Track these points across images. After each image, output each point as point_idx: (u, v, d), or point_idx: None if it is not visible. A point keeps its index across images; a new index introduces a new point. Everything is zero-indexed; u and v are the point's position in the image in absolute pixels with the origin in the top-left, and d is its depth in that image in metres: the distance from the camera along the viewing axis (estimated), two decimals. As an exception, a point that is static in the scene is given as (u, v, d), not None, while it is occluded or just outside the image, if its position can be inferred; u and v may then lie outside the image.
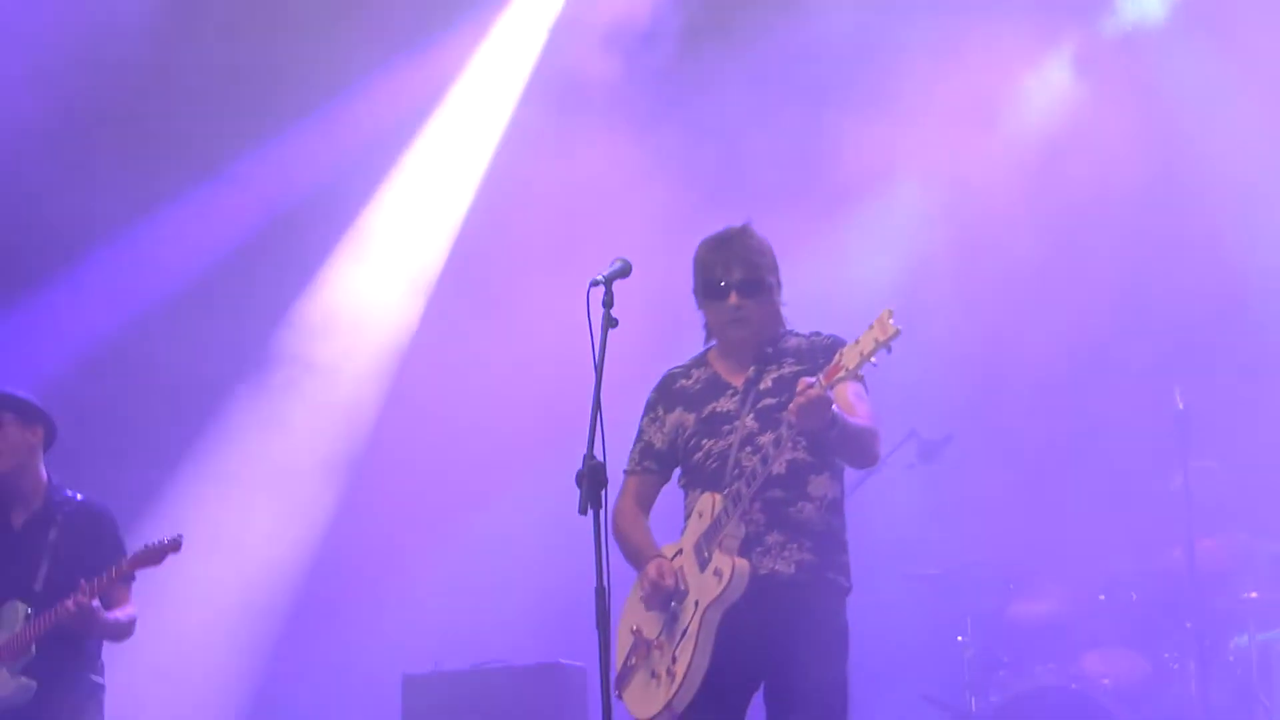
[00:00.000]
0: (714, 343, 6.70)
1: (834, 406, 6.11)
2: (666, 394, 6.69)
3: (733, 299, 6.50)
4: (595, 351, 6.02)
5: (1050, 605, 10.01)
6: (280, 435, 11.38)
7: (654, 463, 6.69)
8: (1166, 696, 9.60)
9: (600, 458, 5.87)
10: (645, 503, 6.72)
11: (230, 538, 11.03)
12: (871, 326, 5.96)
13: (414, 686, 9.74)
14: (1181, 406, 9.20)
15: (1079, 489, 10.57)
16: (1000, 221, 10.97)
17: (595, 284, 6.10)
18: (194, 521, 10.45)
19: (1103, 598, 9.87)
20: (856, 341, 5.99)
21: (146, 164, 11.00)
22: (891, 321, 5.91)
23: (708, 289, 6.56)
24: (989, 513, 10.61)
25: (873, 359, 5.95)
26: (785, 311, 6.67)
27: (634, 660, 6.44)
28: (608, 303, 6.07)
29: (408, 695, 9.72)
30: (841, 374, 6.02)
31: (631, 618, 6.50)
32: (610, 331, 6.01)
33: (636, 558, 6.54)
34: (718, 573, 6.23)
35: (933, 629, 10.44)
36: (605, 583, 5.73)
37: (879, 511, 10.18)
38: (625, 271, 6.18)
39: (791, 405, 6.08)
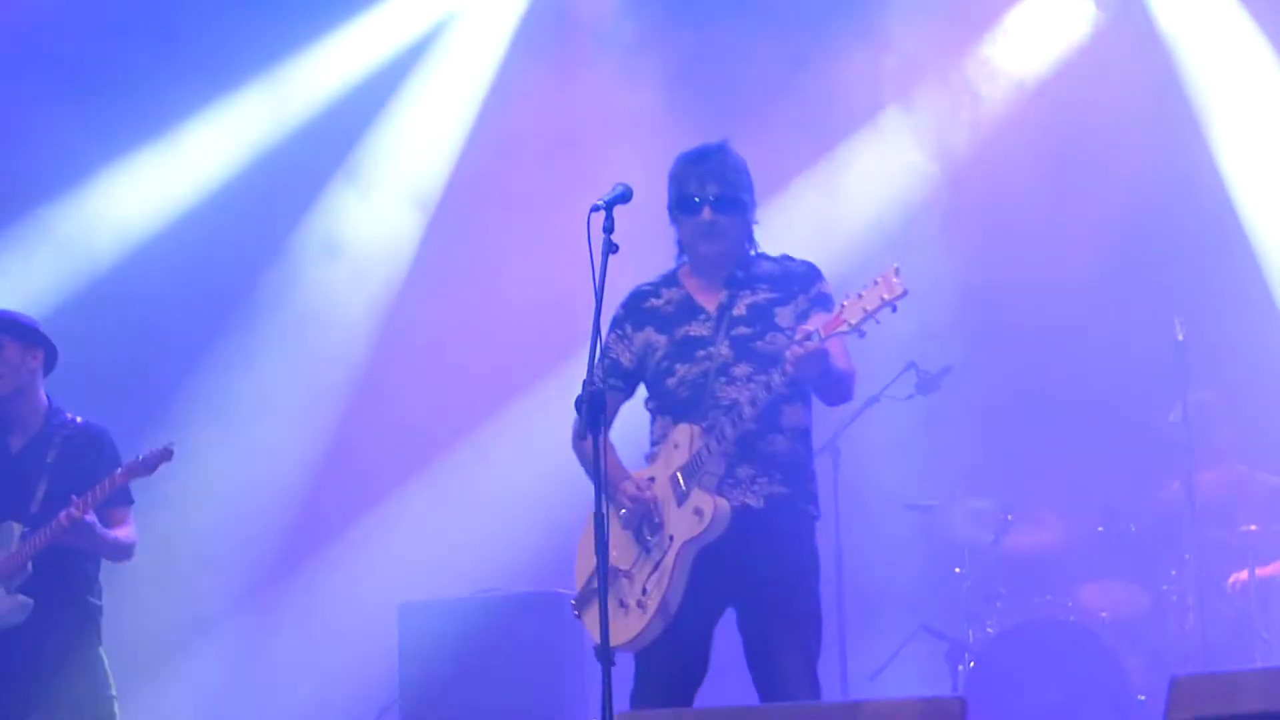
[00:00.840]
0: (684, 260, 6.62)
1: (828, 357, 6.10)
2: (635, 311, 6.60)
3: (706, 214, 6.44)
4: (595, 277, 5.98)
5: (1048, 537, 10.01)
6: (275, 365, 11.35)
7: (620, 380, 6.59)
8: (1165, 629, 9.61)
9: (600, 384, 5.85)
10: (608, 419, 6.56)
11: (225, 468, 11.03)
12: (877, 282, 5.93)
13: (410, 615, 9.73)
14: (1181, 338, 9.15)
15: (1078, 421, 10.57)
16: (999, 151, 10.96)
17: (596, 209, 6.05)
18: (189, 452, 10.45)
19: (1101, 530, 9.86)
20: (859, 296, 5.95)
21: (144, 92, 10.96)
22: (898, 280, 5.88)
23: (682, 203, 6.50)
24: (987, 445, 10.62)
25: (877, 318, 5.93)
26: (769, 235, 6.63)
27: (597, 584, 6.37)
28: (608, 228, 6.04)
29: (404, 624, 9.72)
30: (842, 328, 5.99)
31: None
32: (610, 257, 5.97)
33: (606, 477, 6.46)
34: (698, 511, 6.20)
35: (930, 560, 10.45)
36: (604, 508, 5.71)
37: (877, 443, 10.20)
38: (626, 197, 6.13)
39: (789, 355, 6.04)
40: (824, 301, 6.44)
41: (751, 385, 6.26)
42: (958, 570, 10.05)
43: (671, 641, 6.28)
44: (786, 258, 6.60)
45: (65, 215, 11.00)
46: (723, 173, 6.50)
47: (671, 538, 6.24)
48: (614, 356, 6.62)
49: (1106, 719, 9.22)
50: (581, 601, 6.45)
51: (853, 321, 5.95)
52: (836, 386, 6.38)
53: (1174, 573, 9.63)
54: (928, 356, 9.80)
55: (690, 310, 6.51)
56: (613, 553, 6.30)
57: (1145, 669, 9.37)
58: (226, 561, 11.10)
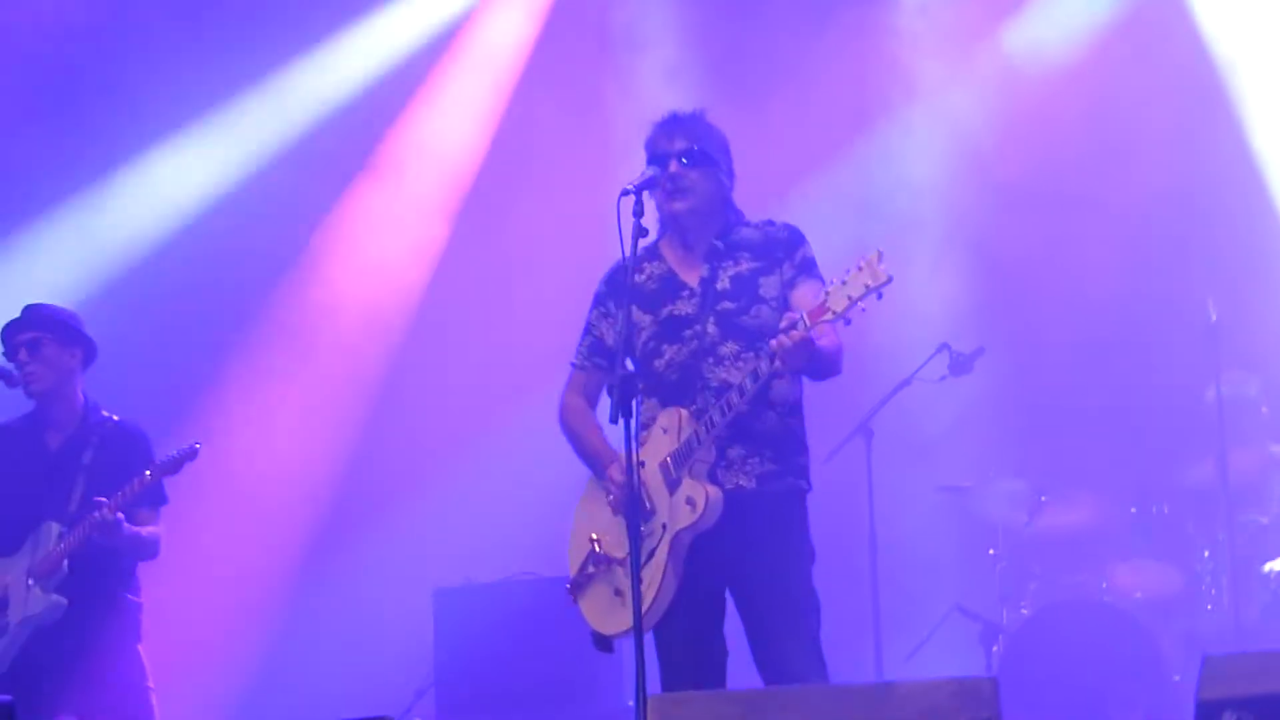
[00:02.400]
0: (665, 232, 6.50)
1: (815, 344, 6.01)
2: (618, 288, 6.45)
3: (672, 166, 6.34)
4: (626, 261, 6.00)
5: (1082, 518, 9.99)
6: (309, 353, 11.38)
7: (604, 359, 6.51)
8: (1198, 609, 9.59)
9: (632, 367, 5.86)
10: (592, 398, 6.58)
11: (261, 455, 11.07)
12: (860, 269, 5.85)
13: (445, 599, 9.77)
14: (1214, 318, 9.14)
15: (1111, 402, 10.55)
16: (1032, 132, 10.93)
17: (626, 193, 6.08)
18: (225, 439, 10.52)
19: (1134, 510, 9.84)
20: (844, 283, 5.88)
21: (165, 86, 11.00)
22: (882, 267, 5.80)
23: (650, 163, 6.39)
24: (1020, 426, 10.61)
25: (862, 305, 5.85)
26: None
27: (593, 570, 6.35)
28: (638, 212, 6.06)
29: (439, 608, 9.75)
30: (828, 316, 5.90)
31: (591, 524, 6.41)
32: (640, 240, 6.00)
33: (594, 459, 6.46)
34: (690, 501, 6.14)
35: (964, 542, 10.45)
36: (637, 490, 5.72)
37: (910, 425, 10.20)
38: (657, 181, 6.17)
39: (776, 346, 5.94)
40: (809, 267, 6.37)
41: (740, 365, 6.22)
42: (991, 551, 10.05)
43: (683, 629, 6.25)
44: (768, 223, 6.50)
45: (90, 210, 11.03)
46: (691, 128, 6.42)
47: (665, 526, 6.18)
48: (598, 334, 6.57)
49: (1140, 699, 9.22)
50: (577, 587, 6.41)
51: (838, 309, 5.87)
52: (824, 367, 6.26)
53: (1207, 553, 9.61)
54: (960, 338, 9.80)
55: (674, 287, 6.42)
56: (605, 539, 6.33)
57: (1179, 649, 9.36)
58: (263, 550, 11.13)
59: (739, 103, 10.25)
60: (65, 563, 7.46)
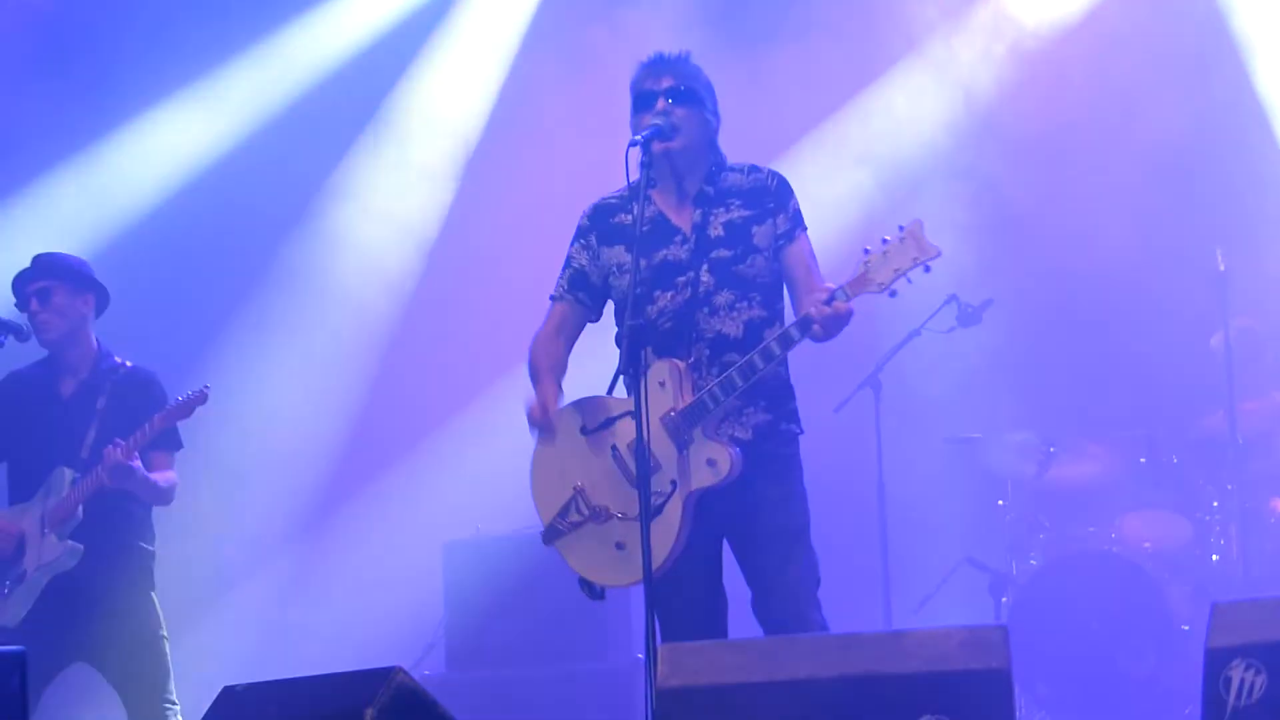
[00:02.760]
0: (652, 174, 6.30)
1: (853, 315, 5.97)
2: (603, 226, 6.43)
3: (660, 104, 6.26)
4: (634, 211, 5.98)
5: (1091, 469, 10.00)
6: (320, 307, 11.39)
7: (586, 295, 6.47)
8: (1207, 559, 9.59)
9: (639, 319, 5.84)
10: (569, 335, 6.50)
11: (271, 409, 11.08)
12: (904, 240, 5.81)
13: (454, 553, 9.78)
14: (1223, 268, 9.12)
15: (1119, 353, 10.54)
16: (1041, 84, 10.90)
17: (634, 144, 6.06)
18: (236, 394, 10.54)
19: (1143, 461, 9.84)
20: (885, 254, 5.83)
21: (167, 44, 11.02)
22: (928, 239, 5.77)
23: (636, 103, 6.33)
24: (1029, 377, 10.62)
25: (909, 278, 5.82)
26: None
27: (578, 518, 6.26)
28: (646, 163, 6.04)
29: (448, 562, 9.77)
30: (872, 289, 5.86)
31: (572, 471, 6.30)
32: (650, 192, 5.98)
33: (534, 386, 6.40)
34: (711, 463, 6.05)
35: (973, 493, 10.44)
36: (646, 442, 5.71)
37: (920, 377, 10.21)
38: (662, 131, 6.14)
39: (816, 315, 5.89)
40: (800, 221, 6.32)
41: (735, 315, 6.18)
42: (1000, 503, 10.06)
43: (686, 581, 6.19)
44: (754, 167, 6.41)
45: (91, 168, 11.02)
46: (680, 68, 6.35)
47: (674, 483, 6.09)
48: (578, 266, 6.47)
49: (1150, 649, 9.25)
50: (555, 533, 6.33)
51: (883, 281, 5.83)
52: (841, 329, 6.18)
53: (1216, 503, 9.61)
54: (969, 289, 9.78)
55: (665, 231, 6.32)
56: (588, 488, 6.25)
57: (1188, 599, 9.37)
58: (273, 502, 11.16)
59: (742, 55, 10.26)
60: (80, 509, 7.48)
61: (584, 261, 6.45)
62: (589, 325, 6.57)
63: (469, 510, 10.37)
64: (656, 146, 6.18)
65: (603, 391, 6.32)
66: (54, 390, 7.78)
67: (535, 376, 6.47)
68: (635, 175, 6.02)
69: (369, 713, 4.87)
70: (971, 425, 10.25)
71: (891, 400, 9.58)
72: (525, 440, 10.94)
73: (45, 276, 7.75)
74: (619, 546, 6.18)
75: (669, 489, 6.07)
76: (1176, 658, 9.13)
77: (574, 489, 6.28)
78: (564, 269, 6.52)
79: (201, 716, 5.37)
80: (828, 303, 5.88)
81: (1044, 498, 10.00)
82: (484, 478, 10.89)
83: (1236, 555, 9.32)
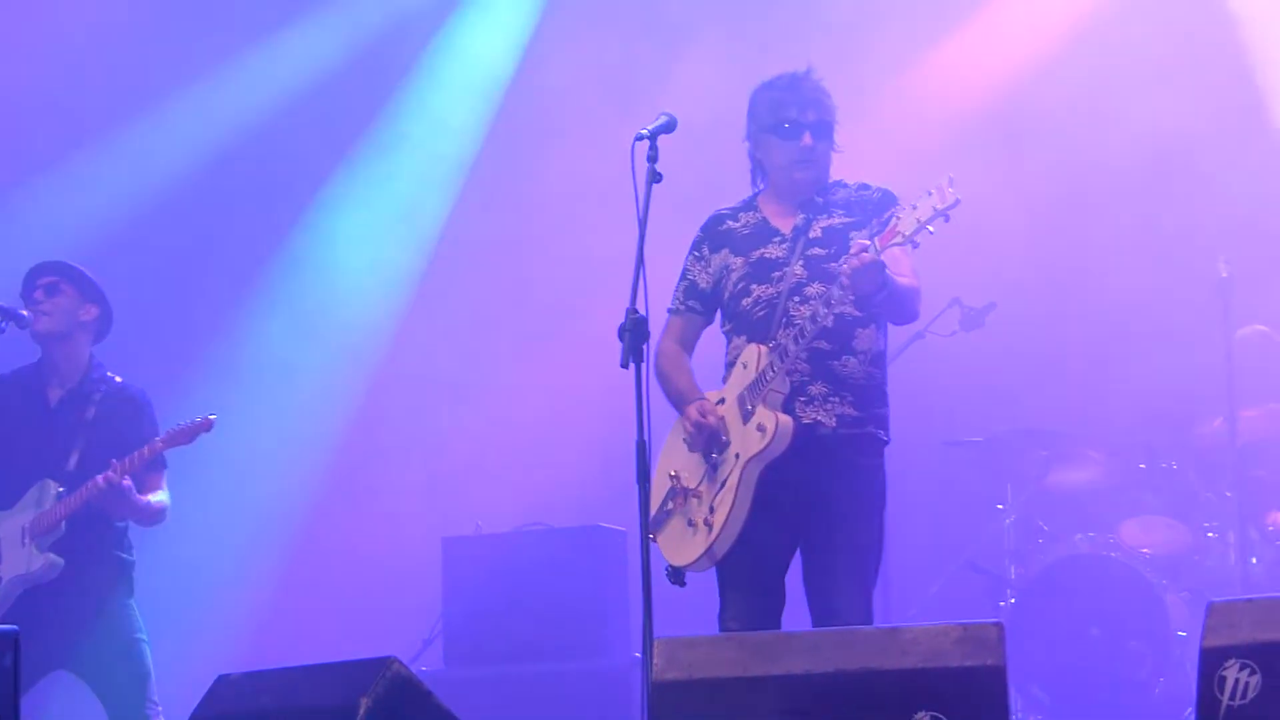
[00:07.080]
0: (763, 187, 6.69)
1: (885, 270, 6.13)
2: (713, 234, 6.69)
3: (806, 139, 6.51)
4: (639, 206, 6.01)
5: (1090, 474, 10.00)
6: (319, 300, 11.40)
7: (698, 303, 6.70)
8: (1206, 566, 9.59)
9: (643, 312, 5.87)
10: (688, 343, 6.74)
11: (271, 403, 11.08)
12: (930, 193, 5.95)
13: (454, 548, 9.77)
14: (1225, 275, 9.12)
15: (1120, 357, 10.53)
16: (1039, 85, 10.91)
17: (640, 138, 6.11)
18: (234, 385, 10.54)
19: (1143, 467, 9.84)
20: (914, 207, 5.99)
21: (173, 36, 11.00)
22: (951, 190, 5.89)
23: (778, 129, 6.54)
24: (1030, 381, 10.61)
25: (930, 227, 5.95)
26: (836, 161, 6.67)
27: (671, 505, 6.47)
28: (652, 157, 6.08)
29: (448, 558, 9.76)
30: (897, 239, 6.03)
31: (670, 461, 6.53)
32: (654, 186, 6.00)
33: (679, 399, 6.56)
34: (761, 428, 6.25)
35: (973, 497, 10.45)
36: (645, 437, 5.73)
37: (921, 379, 10.16)
38: (670, 126, 6.18)
39: (844, 266, 6.12)
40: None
41: (812, 302, 6.31)
42: (1000, 507, 10.07)
43: (748, 573, 6.36)
44: (864, 186, 6.64)
45: (97, 157, 11.02)
46: (819, 97, 6.59)
47: (737, 455, 6.29)
48: (691, 278, 6.72)
49: (1147, 655, 9.24)
50: (656, 524, 6.49)
51: (906, 232, 6.00)
52: (900, 303, 6.41)
53: (1215, 510, 9.61)
54: (971, 293, 9.80)
55: (766, 233, 6.58)
56: (682, 473, 6.44)
57: (1186, 605, 9.36)
58: (272, 496, 11.16)
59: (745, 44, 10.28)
60: (63, 524, 7.49)
61: (697, 274, 6.70)
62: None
63: (469, 506, 10.38)
64: (799, 175, 6.53)
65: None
66: (41, 397, 7.79)
67: (678, 390, 6.62)
68: (641, 168, 6.06)
69: (364, 702, 4.88)
70: (972, 428, 10.27)
71: (894, 404, 9.50)
72: (525, 438, 11.03)
73: (58, 273, 7.82)
74: (690, 524, 6.38)
75: (734, 461, 6.29)
76: (1174, 663, 9.13)
77: (669, 476, 6.50)
78: (679, 282, 6.77)
79: (196, 705, 5.38)
80: (856, 254, 6.07)
81: (1043, 502, 10.02)
82: (485, 474, 10.93)
83: (1235, 562, 9.30)
